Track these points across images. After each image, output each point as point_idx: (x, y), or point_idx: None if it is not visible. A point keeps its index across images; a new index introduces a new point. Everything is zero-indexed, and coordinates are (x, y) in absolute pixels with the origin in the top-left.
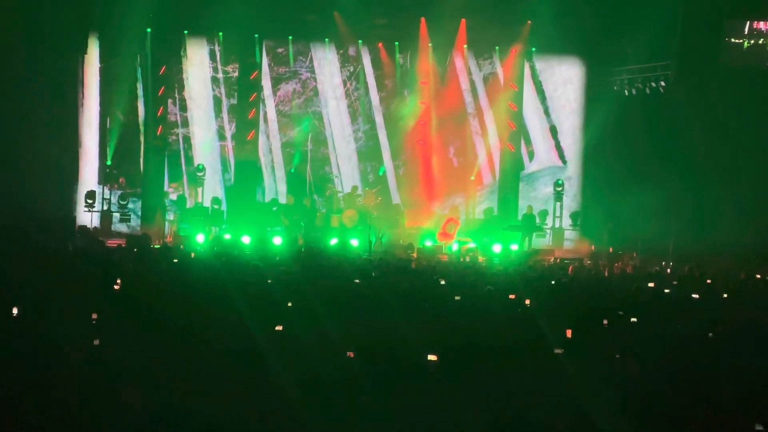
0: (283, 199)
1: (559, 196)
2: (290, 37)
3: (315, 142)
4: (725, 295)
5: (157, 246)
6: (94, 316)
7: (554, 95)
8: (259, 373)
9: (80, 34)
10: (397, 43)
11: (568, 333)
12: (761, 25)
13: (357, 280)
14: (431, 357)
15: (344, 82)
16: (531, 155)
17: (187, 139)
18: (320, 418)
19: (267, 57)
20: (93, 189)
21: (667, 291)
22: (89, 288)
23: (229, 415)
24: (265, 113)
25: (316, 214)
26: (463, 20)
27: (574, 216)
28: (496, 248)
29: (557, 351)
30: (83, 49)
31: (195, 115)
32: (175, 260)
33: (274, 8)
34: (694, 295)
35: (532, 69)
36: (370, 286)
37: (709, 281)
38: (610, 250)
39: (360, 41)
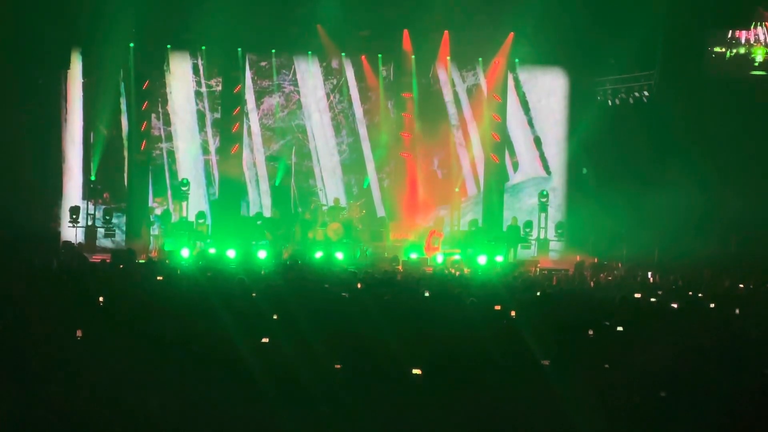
0: (267, 213)
1: (543, 207)
2: (273, 51)
3: (299, 156)
4: (712, 305)
5: (142, 261)
6: (79, 332)
7: (538, 106)
8: (244, 386)
9: (63, 50)
10: (380, 55)
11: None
12: (743, 34)
13: (342, 293)
14: (416, 371)
15: (327, 95)
16: (515, 166)
17: (171, 154)
18: (305, 430)
19: (250, 71)
20: (77, 204)
21: (652, 300)
22: (74, 304)
23: (215, 428)
24: (249, 127)
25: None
26: (446, 32)
27: (559, 226)
28: (481, 260)
29: (544, 362)
30: (66, 65)
31: (179, 130)
32: (160, 278)
33: (256, 22)
34: (673, 305)
35: (516, 80)
36: (355, 298)
37: (691, 293)
38: (595, 260)
39: (343, 54)
